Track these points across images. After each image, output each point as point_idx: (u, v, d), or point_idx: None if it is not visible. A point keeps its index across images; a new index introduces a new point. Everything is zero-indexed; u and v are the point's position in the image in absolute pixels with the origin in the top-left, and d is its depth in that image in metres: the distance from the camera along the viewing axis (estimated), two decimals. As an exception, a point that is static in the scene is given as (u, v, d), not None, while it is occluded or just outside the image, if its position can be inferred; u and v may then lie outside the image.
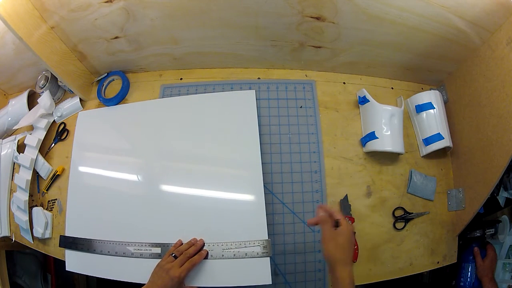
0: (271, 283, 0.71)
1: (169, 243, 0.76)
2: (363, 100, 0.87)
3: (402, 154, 0.83)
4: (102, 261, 0.79)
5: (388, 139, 0.81)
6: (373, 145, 0.83)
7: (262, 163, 0.81)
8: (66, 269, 0.83)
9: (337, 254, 0.57)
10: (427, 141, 0.86)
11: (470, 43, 0.75)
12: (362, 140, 0.87)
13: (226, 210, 0.79)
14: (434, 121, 0.86)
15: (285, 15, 0.72)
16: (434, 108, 0.86)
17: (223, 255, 0.74)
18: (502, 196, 0.91)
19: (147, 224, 0.79)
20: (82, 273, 0.82)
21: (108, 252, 0.79)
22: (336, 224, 0.60)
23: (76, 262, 0.82)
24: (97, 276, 0.81)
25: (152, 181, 0.84)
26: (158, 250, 0.75)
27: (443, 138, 0.84)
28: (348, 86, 0.92)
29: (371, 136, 0.82)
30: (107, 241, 0.80)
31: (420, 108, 0.87)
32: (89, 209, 0.85)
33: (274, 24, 0.76)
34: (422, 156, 0.88)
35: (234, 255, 0.73)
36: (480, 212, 0.85)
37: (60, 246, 0.84)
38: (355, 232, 0.80)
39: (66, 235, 0.84)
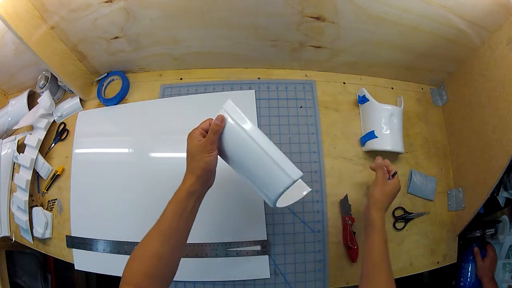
0: (269, 277, 0.78)
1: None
2: (363, 99, 0.86)
3: (401, 153, 0.83)
4: (110, 260, 0.81)
5: (388, 138, 0.81)
6: (372, 144, 0.83)
7: (262, 163, 0.82)
8: (75, 268, 0.85)
9: (380, 197, 0.66)
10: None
11: (470, 43, 0.75)
12: (361, 139, 0.86)
13: (227, 210, 0.80)
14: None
15: (285, 15, 0.72)
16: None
17: (226, 254, 0.79)
18: (502, 196, 0.91)
19: (151, 222, 0.80)
20: (91, 271, 0.86)
21: (118, 251, 0.81)
22: (388, 177, 0.71)
23: (85, 261, 0.84)
24: (106, 274, 0.83)
25: (153, 181, 0.84)
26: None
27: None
28: (348, 86, 0.92)
29: (371, 135, 0.82)
30: (115, 241, 0.82)
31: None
32: (92, 209, 0.86)
33: (274, 24, 0.76)
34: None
35: (237, 253, 0.78)
36: (480, 212, 0.85)
37: (67, 246, 0.85)
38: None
39: (72, 235, 0.85)
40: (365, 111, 0.87)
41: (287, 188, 0.53)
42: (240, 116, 0.54)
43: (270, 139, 0.54)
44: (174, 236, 0.51)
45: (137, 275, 0.48)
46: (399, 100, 0.88)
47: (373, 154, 0.85)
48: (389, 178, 0.70)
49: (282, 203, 0.58)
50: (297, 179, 0.53)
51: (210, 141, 0.52)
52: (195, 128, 0.55)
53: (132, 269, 0.49)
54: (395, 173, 0.70)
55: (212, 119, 0.54)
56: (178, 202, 0.52)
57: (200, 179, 0.53)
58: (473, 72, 0.78)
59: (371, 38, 0.78)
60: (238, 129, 0.53)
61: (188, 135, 0.55)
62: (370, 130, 0.83)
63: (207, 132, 0.54)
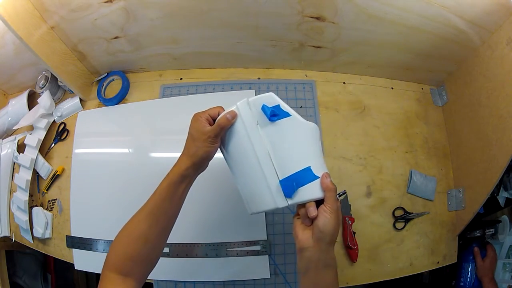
0: (269, 277, 0.78)
1: (174, 243, 0.78)
2: (276, 114, 0.51)
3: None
4: None
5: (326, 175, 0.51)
6: (310, 192, 0.48)
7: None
8: (75, 268, 0.85)
9: (337, 229, 0.47)
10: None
11: (470, 43, 0.75)
12: (284, 185, 0.50)
13: (227, 210, 0.80)
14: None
15: (285, 15, 0.72)
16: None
17: (226, 254, 0.79)
18: (502, 196, 0.91)
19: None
20: (91, 271, 0.86)
21: None
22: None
23: (85, 261, 0.84)
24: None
25: (153, 181, 0.84)
26: (166, 249, 0.78)
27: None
28: (348, 86, 0.92)
29: (307, 176, 0.49)
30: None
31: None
32: (92, 209, 0.86)
33: (274, 24, 0.76)
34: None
35: (237, 253, 0.78)
36: (480, 212, 0.85)
37: (67, 246, 0.85)
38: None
39: (72, 235, 0.85)
40: (281, 134, 0.52)
41: (269, 210, 0.52)
42: (249, 120, 0.51)
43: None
44: (162, 218, 0.51)
45: (120, 259, 0.47)
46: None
47: (374, 154, 0.84)
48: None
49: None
50: (281, 207, 0.50)
51: (215, 133, 0.50)
52: (202, 112, 0.53)
53: (116, 252, 0.48)
54: (344, 192, 0.55)
55: (223, 109, 0.52)
56: (170, 184, 0.51)
57: (195, 165, 0.52)
58: (473, 72, 0.78)
59: (371, 38, 0.78)
60: (243, 133, 0.51)
61: (194, 117, 0.53)
62: (301, 167, 0.49)
63: (213, 120, 0.52)
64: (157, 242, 0.51)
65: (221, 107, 0.53)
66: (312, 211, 0.47)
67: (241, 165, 0.53)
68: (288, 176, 0.49)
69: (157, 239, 0.51)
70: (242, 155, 0.52)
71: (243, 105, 0.51)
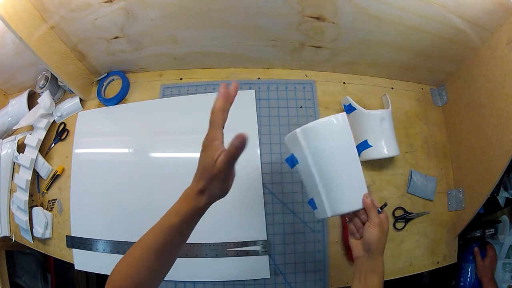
0: (269, 277, 0.78)
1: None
2: (350, 109, 0.83)
3: (398, 155, 0.81)
4: (110, 260, 0.80)
5: (383, 145, 0.78)
6: (368, 154, 0.79)
7: (262, 163, 0.82)
8: (75, 268, 0.85)
9: (383, 240, 0.56)
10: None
11: (470, 43, 0.75)
12: None
13: (227, 210, 0.79)
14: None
15: (285, 15, 0.72)
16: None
17: (226, 254, 0.78)
18: (502, 196, 0.91)
19: (151, 222, 0.80)
20: (91, 271, 0.86)
21: (118, 251, 0.81)
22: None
23: (85, 261, 0.84)
24: (107, 274, 0.82)
25: (153, 181, 0.84)
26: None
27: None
28: (348, 86, 0.92)
29: (364, 145, 0.79)
30: (115, 241, 0.82)
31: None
32: (92, 209, 0.86)
33: (274, 24, 0.76)
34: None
35: (237, 253, 0.78)
36: (480, 212, 0.85)
37: (67, 246, 0.85)
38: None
39: (72, 235, 0.85)
40: (354, 121, 0.82)
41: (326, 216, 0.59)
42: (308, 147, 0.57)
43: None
44: (171, 252, 0.50)
45: (125, 283, 0.47)
46: (384, 100, 0.87)
47: (369, 163, 0.84)
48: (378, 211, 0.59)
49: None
50: (330, 216, 0.58)
51: (226, 169, 0.45)
52: (214, 134, 0.46)
53: (121, 272, 0.48)
54: (385, 204, 0.60)
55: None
56: (183, 220, 0.47)
57: (212, 202, 0.49)
58: (473, 72, 0.78)
59: (371, 38, 0.78)
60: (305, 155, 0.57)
61: (202, 144, 0.47)
62: (363, 140, 0.79)
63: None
64: (162, 272, 0.51)
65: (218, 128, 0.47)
66: (362, 215, 0.58)
67: (324, 171, 0.57)
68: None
69: (163, 269, 0.51)
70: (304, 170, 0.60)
71: (324, 123, 0.57)
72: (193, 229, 0.51)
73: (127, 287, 0.47)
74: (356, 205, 0.56)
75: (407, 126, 0.90)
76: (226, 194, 0.50)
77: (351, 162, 0.57)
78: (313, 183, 0.58)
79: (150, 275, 0.48)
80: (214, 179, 0.46)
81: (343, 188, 0.57)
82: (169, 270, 0.53)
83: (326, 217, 0.59)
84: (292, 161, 0.61)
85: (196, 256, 0.78)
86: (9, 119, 0.96)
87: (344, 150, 0.56)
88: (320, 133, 0.56)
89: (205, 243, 0.79)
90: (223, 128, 0.47)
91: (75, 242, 0.84)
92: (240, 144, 0.42)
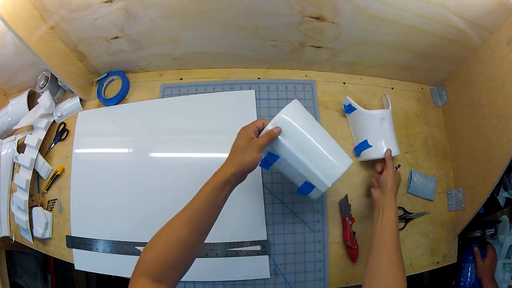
0: (269, 277, 0.78)
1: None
2: (350, 109, 0.84)
3: (398, 155, 0.81)
4: (109, 260, 0.82)
5: (383, 145, 0.79)
6: (368, 154, 0.80)
7: (262, 163, 0.82)
8: (75, 268, 0.85)
9: (394, 185, 0.70)
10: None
11: (470, 43, 0.75)
12: (355, 149, 0.84)
13: (227, 210, 0.79)
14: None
15: (285, 15, 0.72)
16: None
17: (226, 254, 0.78)
18: (502, 196, 0.91)
19: (151, 222, 0.80)
20: (91, 271, 0.86)
21: (118, 251, 0.81)
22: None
23: (85, 261, 0.84)
24: (107, 274, 0.83)
25: (153, 181, 0.84)
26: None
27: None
28: (348, 86, 0.92)
29: (364, 145, 0.80)
30: (115, 241, 0.82)
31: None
32: (92, 209, 0.86)
33: (274, 24, 0.76)
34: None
35: (237, 253, 0.78)
36: (480, 212, 0.85)
37: (67, 246, 0.85)
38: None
39: (72, 235, 0.85)
40: (354, 120, 0.84)
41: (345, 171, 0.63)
42: (296, 125, 0.62)
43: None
44: (202, 224, 0.51)
45: (155, 265, 0.46)
46: (384, 100, 0.87)
47: (370, 163, 0.84)
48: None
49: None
50: (330, 186, 0.63)
51: (263, 143, 0.57)
52: (250, 124, 0.60)
53: (150, 257, 0.47)
54: (399, 165, 0.78)
55: (267, 121, 0.60)
56: (214, 189, 0.52)
57: (239, 172, 0.54)
58: (473, 72, 0.78)
59: (371, 38, 0.78)
60: (299, 132, 0.62)
61: (242, 129, 0.59)
62: (363, 140, 0.81)
63: (259, 131, 0.60)
64: (195, 248, 0.51)
65: (264, 119, 0.61)
66: (378, 167, 0.76)
67: (308, 150, 0.62)
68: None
69: (195, 244, 0.51)
70: (300, 144, 0.62)
71: (289, 111, 0.61)
72: (222, 203, 0.55)
73: (159, 267, 0.46)
74: (344, 166, 0.63)
75: (407, 126, 0.90)
76: (255, 166, 0.56)
77: (321, 133, 0.65)
78: (301, 165, 0.62)
79: (183, 251, 0.49)
80: (247, 151, 0.55)
81: (327, 155, 0.63)
82: (201, 247, 0.53)
83: (326, 190, 0.64)
84: (267, 161, 0.64)
85: (196, 256, 0.78)
86: (9, 119, 0.96)
87: (312, 126, 0.64)
88: (286, 120, 0.61)
89: (205, 243, 0.78)
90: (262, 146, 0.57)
91: (75, 242, 0.84)
92: (277, 132, 0.59)
